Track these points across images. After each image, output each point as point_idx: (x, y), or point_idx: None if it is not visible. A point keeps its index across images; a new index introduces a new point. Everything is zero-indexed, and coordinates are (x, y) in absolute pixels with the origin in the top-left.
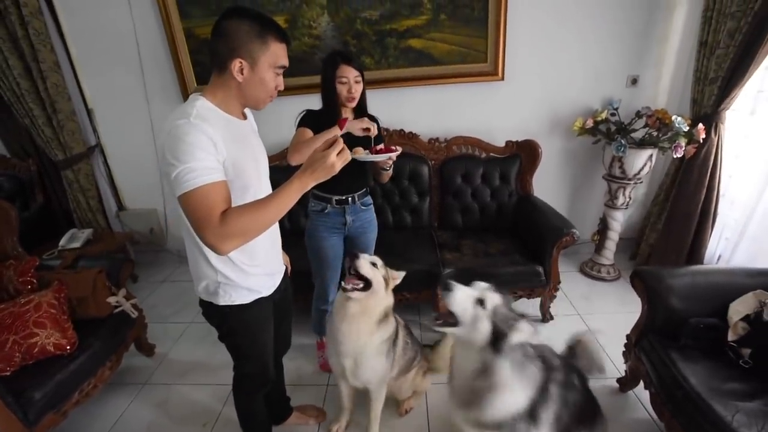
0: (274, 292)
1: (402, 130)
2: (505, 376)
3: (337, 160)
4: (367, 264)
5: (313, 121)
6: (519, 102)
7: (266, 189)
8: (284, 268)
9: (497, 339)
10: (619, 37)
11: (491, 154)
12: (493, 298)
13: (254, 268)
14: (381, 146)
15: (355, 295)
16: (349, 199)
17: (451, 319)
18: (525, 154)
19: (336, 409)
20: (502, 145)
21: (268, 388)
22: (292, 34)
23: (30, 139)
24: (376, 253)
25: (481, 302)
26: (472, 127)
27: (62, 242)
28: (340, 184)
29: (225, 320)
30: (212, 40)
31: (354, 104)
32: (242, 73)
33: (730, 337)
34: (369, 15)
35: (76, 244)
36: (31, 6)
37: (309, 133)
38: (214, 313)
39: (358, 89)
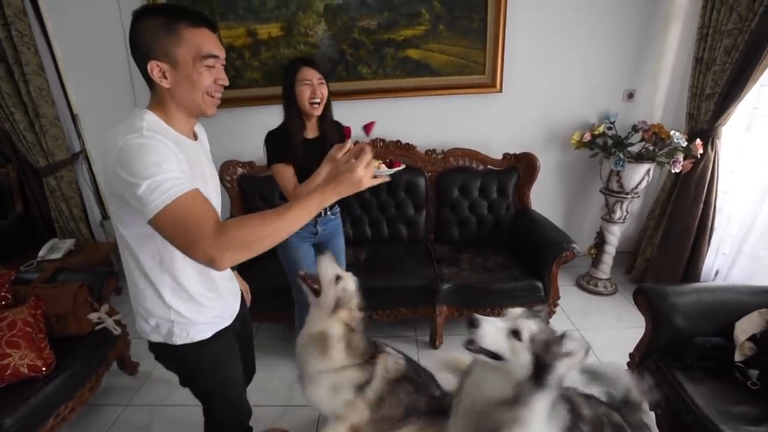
0: (234, 320)
1: (399, 141)
2: (537, 414)
3: (365, 174)
4: (329, 269)
5: (282, 148)
6: (516, 114)
7: None
8: (240, 292)
9: (541, 371)
10: (616, 51)
11: (489, 166)
12: (529, 326)
13: (213, 302)
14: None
15: (303, 285)
16: (322, 211)
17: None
18: (523, 167)
19: None
20: (500, 157)
21: (246, 425)
22: (288, 41)
23: (10, 144)
24: (374, 267)
25: (515, 333)
26: (470, 138)
27: (42, 253)
28: None
29: (186, 362)
30: (132, 54)
31: (319, 111)
32: (165, 77)
33: (737, 357)
34: (367, 24)
35: (57, 255)
36: (14, 6)
37: (289, 171)
38: (170, 356)
39: (322, 91)
